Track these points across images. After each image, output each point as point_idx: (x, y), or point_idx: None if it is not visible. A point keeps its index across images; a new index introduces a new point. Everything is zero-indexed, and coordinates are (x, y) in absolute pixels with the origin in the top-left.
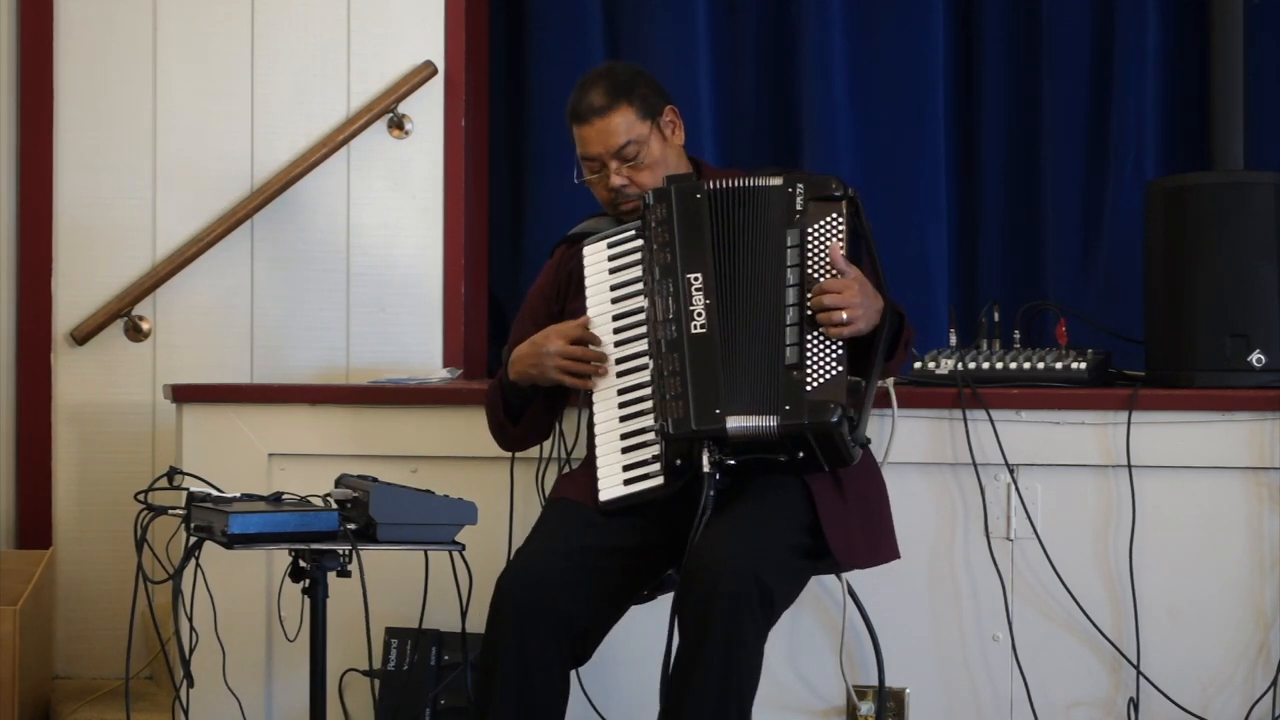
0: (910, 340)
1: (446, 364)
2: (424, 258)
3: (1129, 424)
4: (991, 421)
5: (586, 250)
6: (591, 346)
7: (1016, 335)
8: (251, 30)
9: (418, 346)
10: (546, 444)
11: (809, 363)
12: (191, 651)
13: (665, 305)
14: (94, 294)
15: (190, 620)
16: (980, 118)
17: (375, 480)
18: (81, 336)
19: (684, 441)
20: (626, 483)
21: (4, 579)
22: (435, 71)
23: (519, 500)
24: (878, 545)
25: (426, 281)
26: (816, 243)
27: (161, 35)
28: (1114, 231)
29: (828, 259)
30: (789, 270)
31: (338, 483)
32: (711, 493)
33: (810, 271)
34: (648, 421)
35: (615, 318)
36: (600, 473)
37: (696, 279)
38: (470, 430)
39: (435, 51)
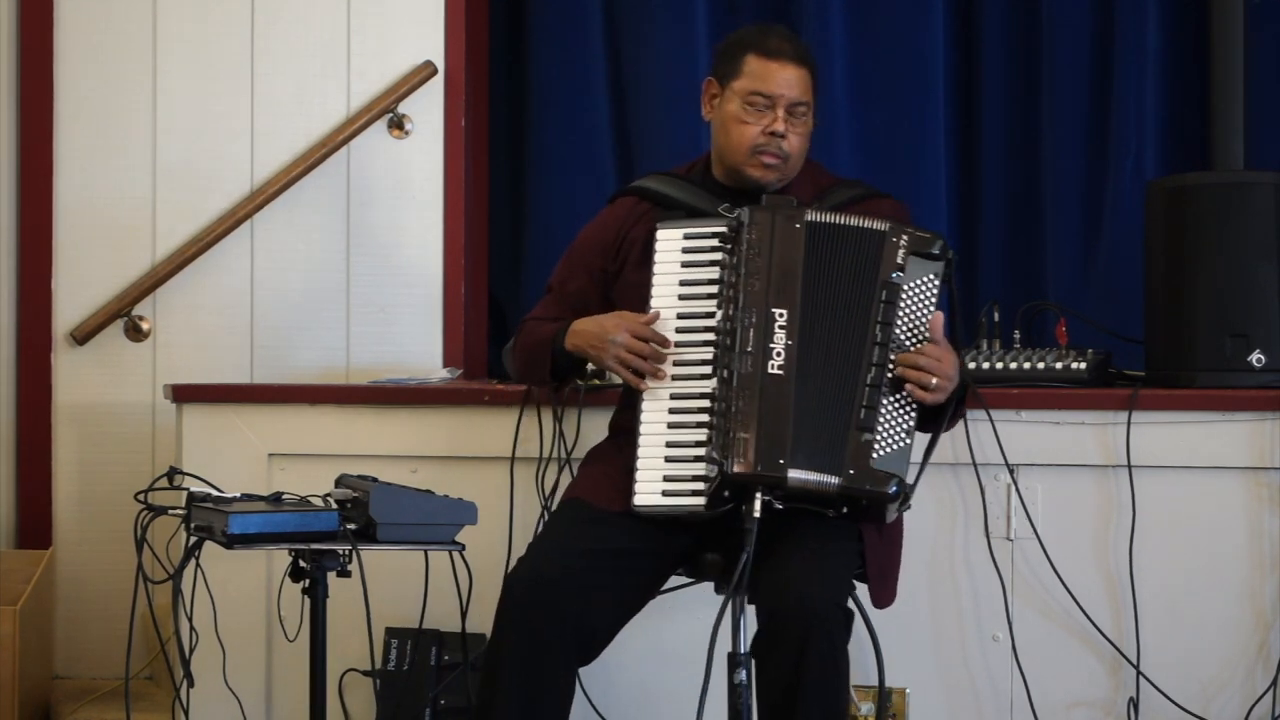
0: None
1: (446, 364)
2: (424, 258)
3: (1129, 424)
4: (991, 421)
5: (661, 233)
6: (657, 346)
7: (1016, 335)
8: (251, 30)
9: (418, 346)
10: (547, 444)
11: (880, 428)
12: (191, 651)
13: (746, 336)
14: (94, 294)
15: (190, 620)
16: (980, 118)
17: (375, 480)
18: (81, 336)
19: (741, 482)
20: (665, 494)
21: (4, 579)
22: (435, 71)
23: (519, 500)
24: (893, 587)
25: (426, 281)
26: (909, 303)
27: (161, 35)
28: (1114, 231)
29: (919, 323)
30: (877, 326)
31: (338, 483)
32: (755, 529)
33: (898, 331)
34: (697, 435)
35: (680, 316)
36: (639, 475)
37: (781, 315)
38: (470, 430)
39: (435, 51)
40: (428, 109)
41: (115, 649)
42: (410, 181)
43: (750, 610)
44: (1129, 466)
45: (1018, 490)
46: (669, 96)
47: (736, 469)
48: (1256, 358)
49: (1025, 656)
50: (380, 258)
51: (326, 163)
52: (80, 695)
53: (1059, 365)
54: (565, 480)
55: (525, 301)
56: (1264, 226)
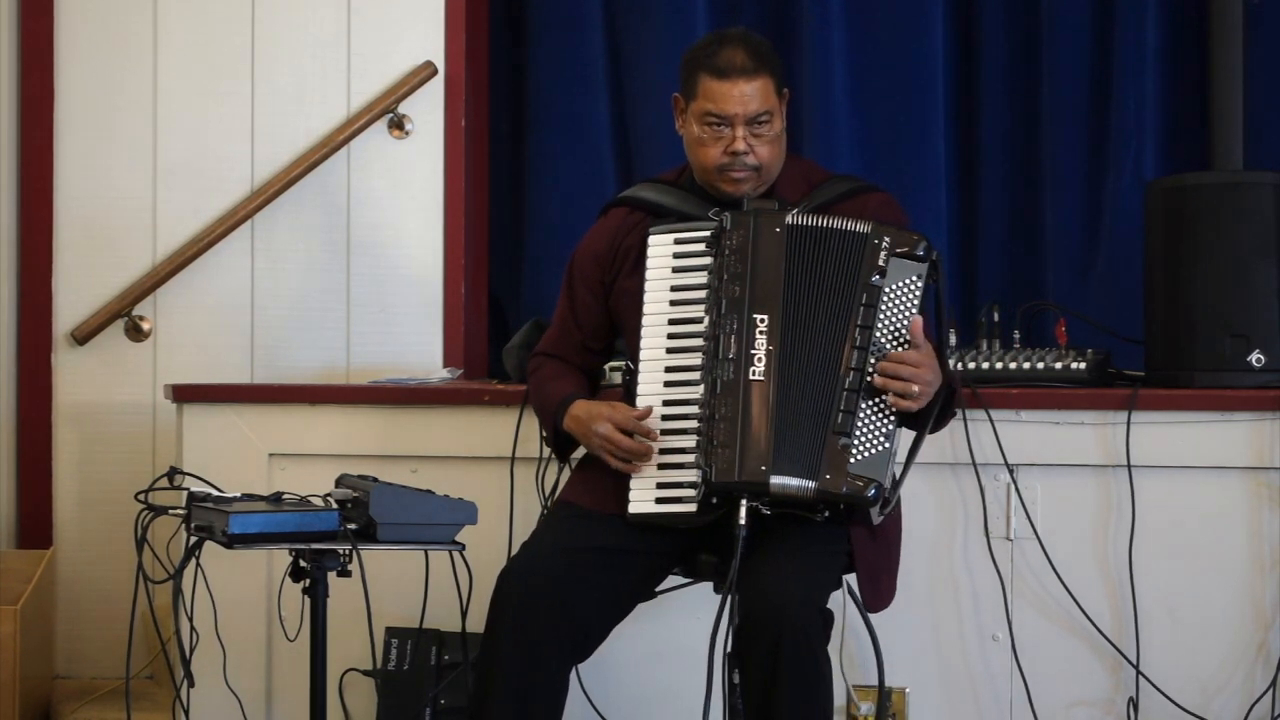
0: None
1: (446, 364)
2: (424, 258)
3: (1129, 424)
4: (991, 421)
5: (652, 238)
6: (640, 439)
7: (1016, 335)
8: (251, 30)
9: (418, 346)
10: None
11: (858, 433)
12: (191, 651)
13: (727, 342)
14: (94, 294)
15: (190, 620)
16: (980, 118)
17: (375, 480)
18: (82, 336)
19: (725, 489)
20: (659, 501)
21: (4, 579)
22: (435, 71)
23: (519, 500)
24: (891, 588)
25: (426, 281)
26: (891, 305)
27: (161, 35)
28: (1114, 231)
29: (900, 326)
30: (857, 330)
31: (338, 483)
32: (743, 534)
33: (878, 334)
34: (687, 442)
35: (671, 321)
36: (633, 483)
37: (763, 321)
38: (470, 430)
39: (435, 51)
40: (428, 109)
41: (115, 649)
42: (410, 181)
43: None
44: (1129, 466)
45: (1017, 490)
46: (669, 96)
47: (720, 477)
48: (1256, 358)
49: (1025, 656)
50: (380, 258)
51: (326, 163)
52: (80, 695)
53: (1059, 365)
54: (565, 480)
55: (525, 301)
56: (1263, 226)
